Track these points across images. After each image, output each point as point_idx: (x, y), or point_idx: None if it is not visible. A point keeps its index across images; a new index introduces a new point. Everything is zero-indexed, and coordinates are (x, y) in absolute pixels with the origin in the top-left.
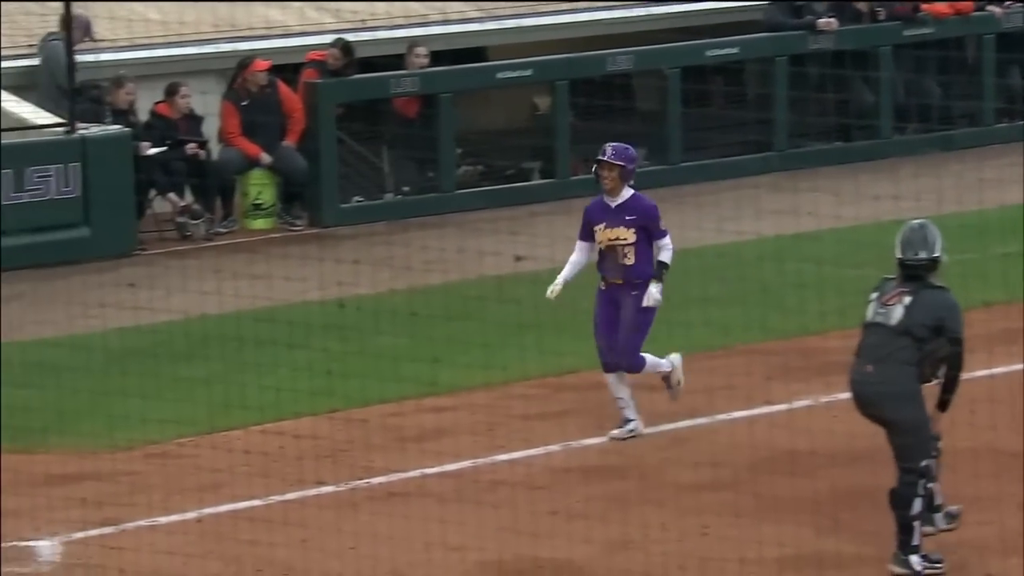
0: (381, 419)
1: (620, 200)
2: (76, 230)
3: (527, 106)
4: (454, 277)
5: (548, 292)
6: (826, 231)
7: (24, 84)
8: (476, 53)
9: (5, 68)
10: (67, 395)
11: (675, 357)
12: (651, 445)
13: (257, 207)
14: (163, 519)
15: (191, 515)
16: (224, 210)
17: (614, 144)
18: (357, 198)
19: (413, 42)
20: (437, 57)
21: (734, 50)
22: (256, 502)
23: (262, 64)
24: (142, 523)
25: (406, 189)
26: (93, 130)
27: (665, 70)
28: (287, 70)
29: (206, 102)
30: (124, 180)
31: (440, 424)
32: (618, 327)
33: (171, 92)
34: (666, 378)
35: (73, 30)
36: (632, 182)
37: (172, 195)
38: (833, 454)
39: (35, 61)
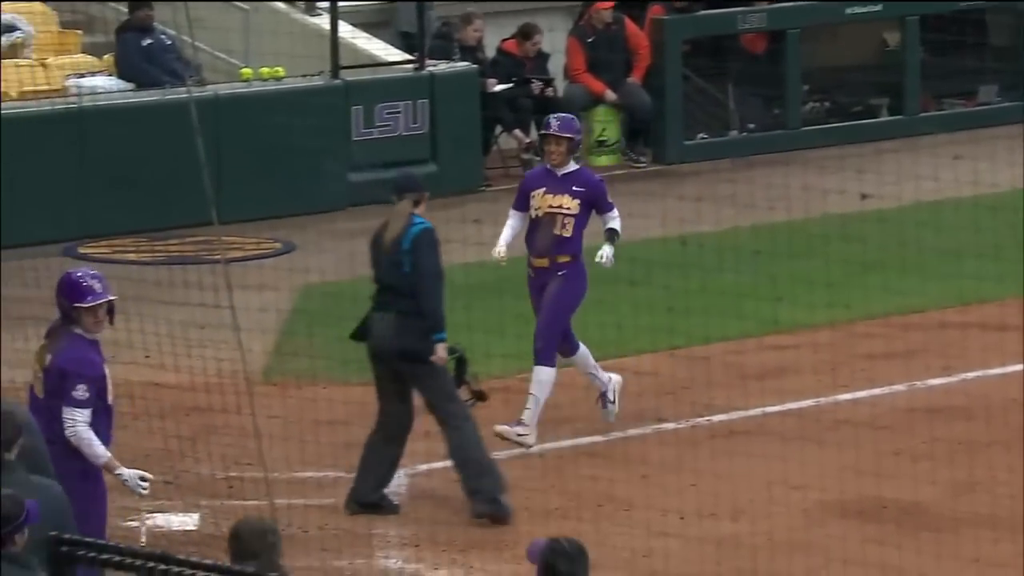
0: (722, 356)
1: (566, 170)
2: (423, 166)
3: (876, 42)
4: (798, 215)
5: (495, 253)
6: None
7: (376, 21)
8: None
9: (358, 6)
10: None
11: (616, 378)
12: (997, 386)
13: (601, 144)
14: (503, 453)
15: (533, 450)
16: None
17: (559, 115)
18: (701, 135)
19: None
20: None
21: None
22: (597, 438)
23: (607, 2)
24: None
25: (751, 126)
26: (441, 67)
27: (1021, 5)
28: (634, 6)
29: (553, 39)
30: (471, 117)
31: (782, 362)
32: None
33: (525, 36)
34: (602, 396)
35: None
36: (577, 155)
37: (518, 132)
38: None
39: None
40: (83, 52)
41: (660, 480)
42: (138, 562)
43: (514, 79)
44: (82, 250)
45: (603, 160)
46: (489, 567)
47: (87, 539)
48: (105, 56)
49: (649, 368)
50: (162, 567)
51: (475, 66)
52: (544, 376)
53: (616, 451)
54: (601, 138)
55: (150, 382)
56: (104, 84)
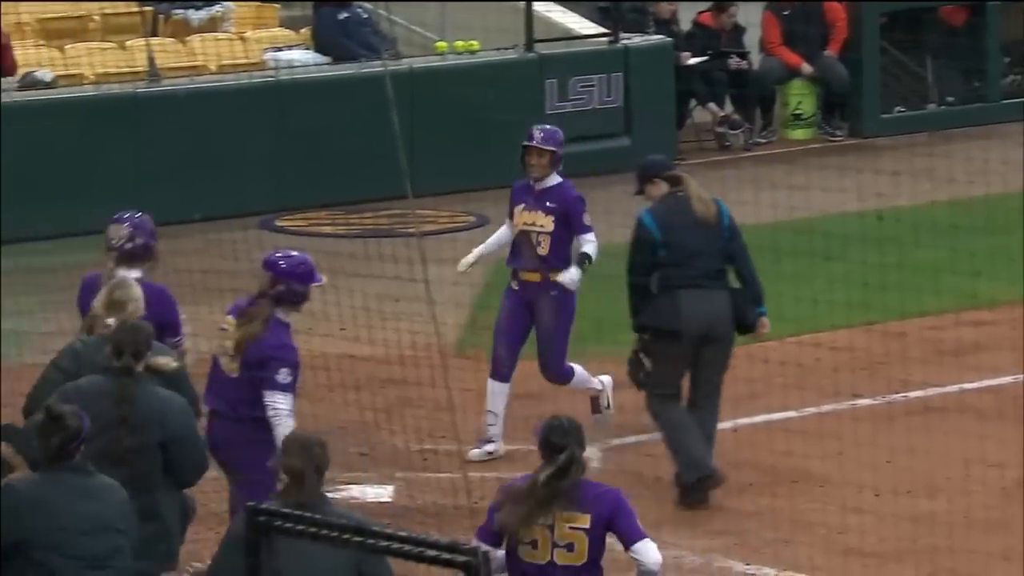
0: (919, 332)
1: (545, 185)
2: (617, 140)
3: None
4: (997, 189)
5: (460, 266)
6: None
7: None
8: None
9: None
10: (606, 303)
11: (606, 379)
12: None
13: (797, 117)
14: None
15: (727, 425)
16: (763, 120)
17: (542, 127)
18: (899, 108)
19: None
20: None
21: None
22: (791, 413)
23: None
24: None
25: (950, 99)
26: (636, 40)
27: None
28: None
29: (747, 12)
30: (665, 90)
31: (980, 338)
32: (522, 335)
33: (721, 8)
34: (595, 399)
35: None
36: (560, 168)
37: (712, 105)
38: None
39: None
40: (281, 25)
41: (855, 456)
42: (334, 533)
43: (709, 52)
44: (279, 223)
45: (798, 134)
46: (682, 542)
47: (284, 509)
48: (302, 29)
49: (845, 343)
50: (357, 538)
51: (670, 39)
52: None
53: (810, 426)
54: (797, 112)
55: (345, 354)
56: (301, 57)
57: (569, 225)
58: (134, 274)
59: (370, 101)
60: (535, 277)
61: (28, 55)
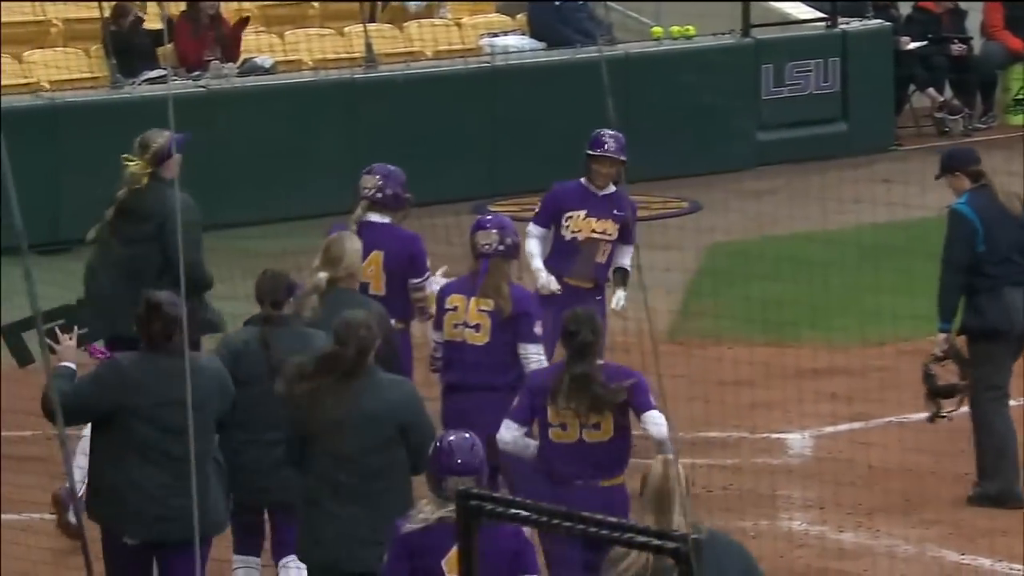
0: None
1: (607, 191)
2: (834, 125)
3: None
4: None
5: (549, 286)
6: None
7: None
8: None
9: None
10: (819, 289)
11: None
12: None
13: (1018, 102)
14: (912, 416)
15: (943, 412)
16: (984, 105)
17: (613, 135)
18: None
19: None
20: None
21: None
22: (1010, 402)
23: None
24: (892, 419)
25: None
26: (854, 24)
27: None
28: None
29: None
30: (883, 75)
31: None
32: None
33: None
34: None
35: None
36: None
37: (931, 90)
38: None
39: None
40: (497, 12)
41: None
42: (543, 518)
43: (929, 36)
44: (492, 208)
45: (1019, 119)
46: (895, 531)
47: (495, 494)
48: (518, 15)
49: None
50: (566, 523)
51: (888, 23)
52: None
53: (1020, 416)
54: (1019, 96)
55: None
56: (516, 43)
57: (623, 234)
58: (384, 220)
59: (585, 87)
60: (588, 284)
61: (248, 41)
